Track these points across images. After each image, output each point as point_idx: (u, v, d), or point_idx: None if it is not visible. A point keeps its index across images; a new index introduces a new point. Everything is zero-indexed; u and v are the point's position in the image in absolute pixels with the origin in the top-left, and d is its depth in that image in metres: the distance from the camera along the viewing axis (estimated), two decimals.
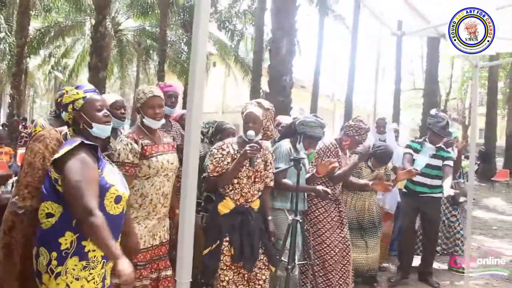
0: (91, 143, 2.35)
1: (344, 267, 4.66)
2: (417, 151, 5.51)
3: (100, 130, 2.47)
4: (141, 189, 3.20)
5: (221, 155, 3.60)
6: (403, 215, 5.80)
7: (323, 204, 4.66)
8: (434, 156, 5.46)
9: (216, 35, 24.63)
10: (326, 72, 39.92)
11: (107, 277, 2.43)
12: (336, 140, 4.84)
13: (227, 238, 3.56)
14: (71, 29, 22.12)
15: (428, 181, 5.47)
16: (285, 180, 4.05)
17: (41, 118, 3.73)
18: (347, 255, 4.70)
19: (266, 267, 3.71)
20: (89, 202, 2.13)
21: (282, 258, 3.60)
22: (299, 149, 4.29)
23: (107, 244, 2.12)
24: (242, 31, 23.86)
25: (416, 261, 5.94)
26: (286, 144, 4.25)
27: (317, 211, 4.68)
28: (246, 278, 3.63)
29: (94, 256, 2.32)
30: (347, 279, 4.68)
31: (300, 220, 3.66)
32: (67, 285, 2.25)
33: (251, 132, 3.54)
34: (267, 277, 3.71)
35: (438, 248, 6.13)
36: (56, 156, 2.28)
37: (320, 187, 4.17)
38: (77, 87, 2.55)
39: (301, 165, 3.66)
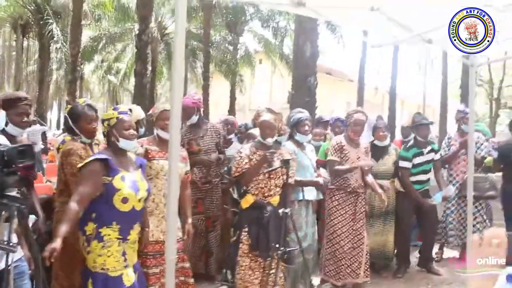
0: (103, 157, 3.04)
1: (354, 257, 4.88)
2: (415, 156, 5.55)
3: (126, 144, 3.16)
4: None
5: (239, 158, 4.15)
6: (402, 214, 5.72)
7: (338, 198, 4.92)
8: (429, 152, 5.61)
9: (260, 33, 25.07)
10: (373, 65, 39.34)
11: (127, 252, 3.08)
12: (343, 136, 5.17)
13: (246, 229, 4.08)
14: (121, 36, 23.22)
15: (424, 177, 5.62)
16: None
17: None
18: (359, 247, 4.90)
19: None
20: (74, 197, 2.93)
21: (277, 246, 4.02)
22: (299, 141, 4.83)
23: (61, 224, 2.81)
24: (285, 28, 24.00)
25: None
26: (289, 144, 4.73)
27: (331, 203, 4.95)
28: (262, 266, 4.09)
29: (109, 238, 3.00)
30: (358, 269, 4.88)
31: (288, 212, 4.06)
32: (94, 260, 2.98)
33: (269, 140, 4.11)
34: (280, 266, 4.11)
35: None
36: (80, 165, 3.08)
37: (319, 179, 4.63)
38: (114, 108, 3.26)
39: (289, 164, 4.07)
